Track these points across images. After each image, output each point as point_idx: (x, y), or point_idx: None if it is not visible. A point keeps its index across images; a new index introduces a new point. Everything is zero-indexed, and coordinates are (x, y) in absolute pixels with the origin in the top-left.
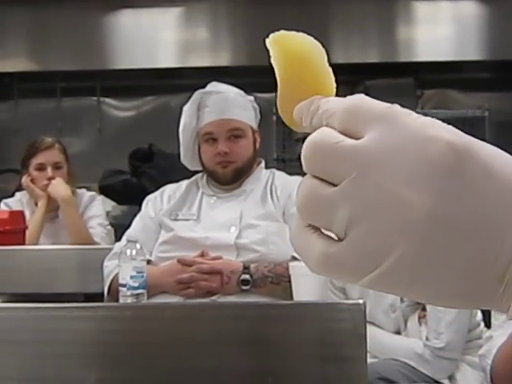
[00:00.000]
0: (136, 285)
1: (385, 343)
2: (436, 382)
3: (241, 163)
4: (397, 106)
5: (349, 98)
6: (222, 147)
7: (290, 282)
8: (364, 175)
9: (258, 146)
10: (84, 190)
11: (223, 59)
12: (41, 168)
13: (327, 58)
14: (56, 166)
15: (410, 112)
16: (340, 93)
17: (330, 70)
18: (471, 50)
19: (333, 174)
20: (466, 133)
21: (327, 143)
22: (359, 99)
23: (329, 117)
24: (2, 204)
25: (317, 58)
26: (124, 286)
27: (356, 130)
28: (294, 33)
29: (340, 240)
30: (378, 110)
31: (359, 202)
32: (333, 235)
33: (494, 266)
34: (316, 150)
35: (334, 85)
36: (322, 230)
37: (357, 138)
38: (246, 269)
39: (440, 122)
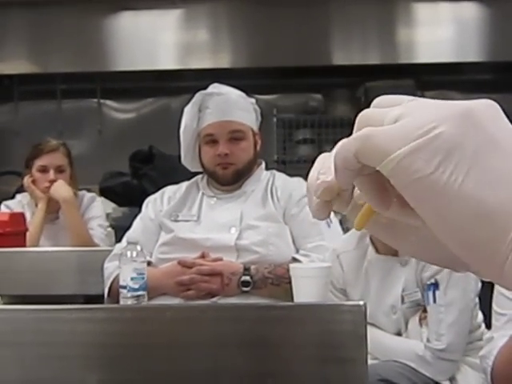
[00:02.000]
0: (136, 286)
1: (385, 345)
2: (437, 383)
3: (241, 165)
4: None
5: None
6: (223, 149)
7: (290, 283)
8: (415, 100)
9: (258, 147)
10: (84, 192)
11: (223, 61)
12: (43, 170)
13: (328, 60)
14: (59, 170)
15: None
16: (341, 94)
17: None
18: (471, 52)
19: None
20: None
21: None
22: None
23: None
24: (2, 206)
25: None
26: (124, 287)
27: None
28: None
29: None
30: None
31: (411, 106)
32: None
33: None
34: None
35: None
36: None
37: None
38: (246, 270)
39: None
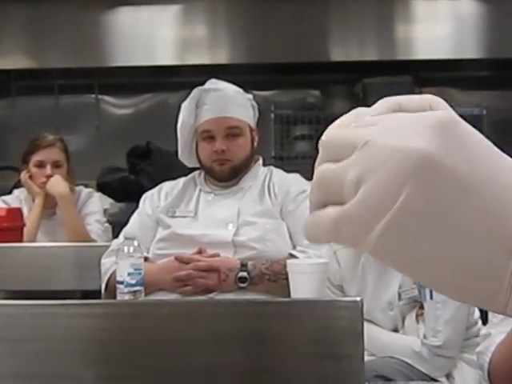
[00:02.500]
0: (133, 282)
1: (382, 341)
2: (433, 379)
3: (238, 161)
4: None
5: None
6: (220, 145)
7: (287, 279)
8: (371, 142)
9: (255, 144)
10: (81, 187)
11: (221, 57)
12: (40, 165)
13: (326, 56)
14: (56, 165)
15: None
16: (339, 90)
17: None
18: (470, 49)
19: (343, 153)
20: None
21: (339, 134)
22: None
23: None
24: None
25: None
26: (121, 283)
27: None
28: None
29: None
30: (378, 108)
31: (366, 162)
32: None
33: (501, 230)
34: (331, 129)
35: None
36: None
37: None
38: (243, 266)
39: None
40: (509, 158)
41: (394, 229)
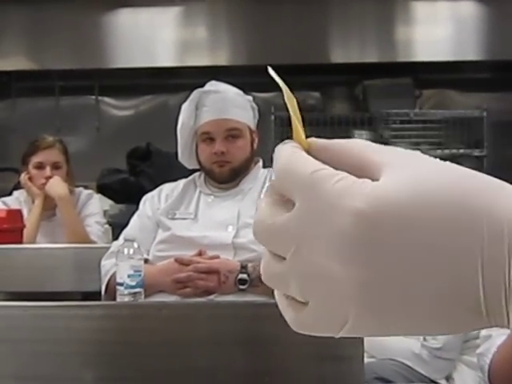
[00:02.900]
0: (133, 283)
1: (382, 343)
2: (433, 382)
3: (237, 163)
4: (322, 171)
5: (283, 154)
6: (219, 147)
7: None
8: (298, 250)
9: (255, 145)
10: (81, 189)
11: (222, 58)
12: (40, 167)
13: (326, 58)
14: (55, 166)
15: (332, 175)
16: (339, 92)
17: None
18: (470, 50)
19: (278, 251)
20: (464, 133)
21: (265, 224)
22: (289, 160)
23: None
24: None
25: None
26: (121, 284)
27: (288, 196)
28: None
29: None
30: (303, 177)
31: (301, 276)
32: None
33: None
34: (256, 231)
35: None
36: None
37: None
38: (243, 268)
39: (358, 181)
40: None
41: (356, 331)
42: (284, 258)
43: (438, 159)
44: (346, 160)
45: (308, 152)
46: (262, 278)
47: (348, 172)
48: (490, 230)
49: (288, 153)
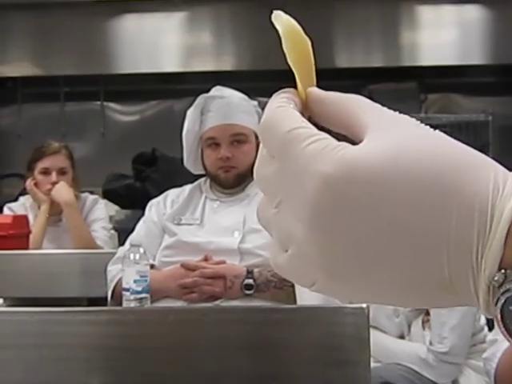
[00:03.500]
0: (139, 289)
1: (388, 348)
2: None
3: (243, 168)
4: (298, 130)
5: (269, 107)
6: (225, 152)
7: (293, 286)
8: (280, 204)
9: None
10: (87, 194)
11: (226, 64)
12: (45, 172)
13: (332, 63)
14: (61, 172)
15: (307, 136)
16: None
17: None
18: (475, 55)
19: (268, 199)
20: (469, 137)
21: (258, 174)
22: (271, 115)
23: None
24: (5, 208)
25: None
26: (127, 290)
27: (269, 151)
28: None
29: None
30: (280, 135)
31: (279, 229)
32: None
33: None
34: (255, 177)
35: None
36: None
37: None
38: (249, 273)
39: (332, 145)
40: None
41: (328, 289)
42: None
43: (427, 127)
44: (338, 116)
45: (305, 102)
46: (257, 217)
47: (340, 129)
48: (460, 211)
49: (274, 106)
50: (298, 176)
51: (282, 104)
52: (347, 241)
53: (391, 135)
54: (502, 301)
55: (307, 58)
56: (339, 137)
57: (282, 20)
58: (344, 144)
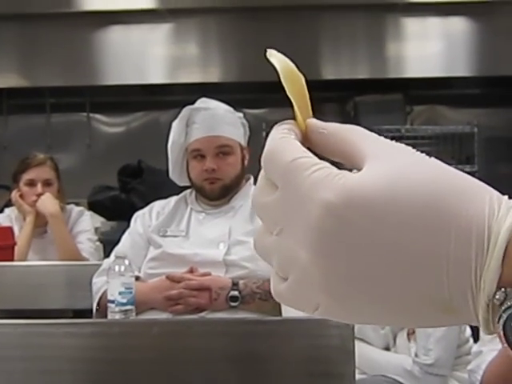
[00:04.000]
0: (124, 301)
1: (374, 359)
2: None
3: (228, 180)
4: (301, 160)
5: (271, 137)
6: (210, 164)
7: None
8: (281, 232)
9: (246, 162)
10: (73, 206)
11: (213, 75)
12: (31, 184)
13: (318, 74)
14: (46, 183)
15: (309, 165)
16: (330, 108)
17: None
18: (460, 67)
19: (268, 227)
20: (455, 148)
21: (258, 201)
22: (274, 145)
23: None
24: None
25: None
26: (112, 302)
27: (272, 180)
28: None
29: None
30: (283, 164)
31: (280, 256)
32: None
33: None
34: (253, 204)
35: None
36: None
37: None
38: (234, 285)
39: (334, 173)
40: None
41: (329, 315)
42: (272, 234)
43: (423, 154)
44: (337, 146)
45: (305, 133)
46: (254, 246)
47: (339, 158)
48: (458, 233)
49: (276, 137)
50: (301, 203)
51: (283, 135)
52: (349, 263)
53: (389, 163)
54: (504, 318)
55: (303, 92)
56: (338, 165)
57: (277, 58)
58: (345, 172)
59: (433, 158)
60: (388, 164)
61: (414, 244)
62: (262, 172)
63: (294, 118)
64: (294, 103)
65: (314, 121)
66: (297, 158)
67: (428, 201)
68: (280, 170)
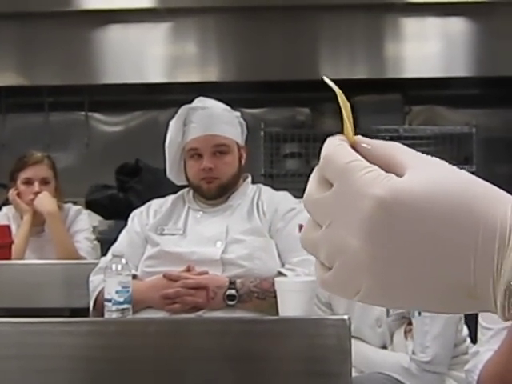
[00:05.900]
0: (121, 300)
1: (371, 358)
2: None
3: (225, 179)
4: (356, 162)
5: (329, 143)
6: (207, 163)
7: (275, 297)
8: (331, 224)
9: (243, 161)
10: (70, 205)
11: (211, 74)
12: (28, 182)
13: (316, 74)
14: (44, 182)
15: (363, 167)
16: (328, 108)
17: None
18: (459, 67)
19: (318, 220)
20: (453, 149)
21: (311, 198)
22: (332, 150)
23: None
24: None
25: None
26: (109, 300)
27: (328, 179)
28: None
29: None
30: (340, 165)
31: (329, 246)
32: None
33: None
34: (305, 202)
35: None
36: None
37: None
38: (231, 284)
39: (383, 175)
40: None
41: (369, 298)
42: (321, 227)
43: (455, 167)
44: (381, 157)
45: (353, 146)
46: (300, 241)
47: (380, 167)
48: (485, 231)
49: (333, 143)
50: (355, 198)
51: (340, 142)
52: (394, 249)
53: (428, 171)
54: None
55: (349, 114)
56: None
57: (334, 84)
58: (392, 175)
59: (463, 171)
60: (427, 171)
61: (449, 236)
62: (313, 173)
63: (341, 131)
64: (346, 120)
65: (361, 137)
66: (352, 160)
67: (461, 202)
68: (337, 169)
